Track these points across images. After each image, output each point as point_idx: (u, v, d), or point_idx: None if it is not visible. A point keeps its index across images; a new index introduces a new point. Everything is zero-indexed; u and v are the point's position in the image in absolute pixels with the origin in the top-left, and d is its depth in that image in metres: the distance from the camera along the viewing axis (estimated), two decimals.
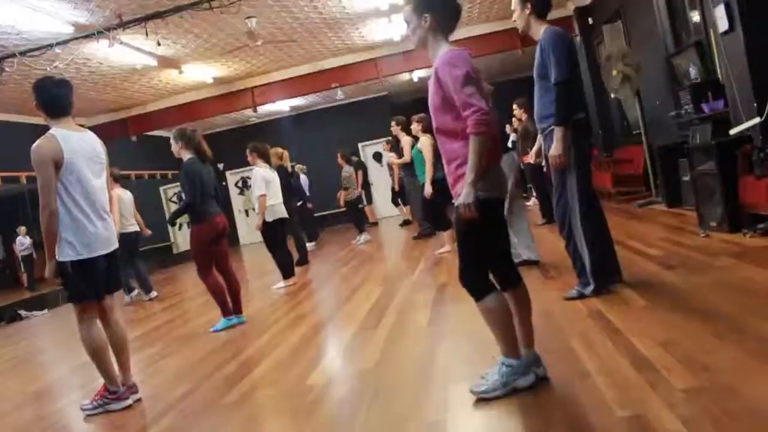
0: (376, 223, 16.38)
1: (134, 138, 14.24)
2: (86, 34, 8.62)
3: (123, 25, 8.51)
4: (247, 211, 18.65)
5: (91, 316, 3.82)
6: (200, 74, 12.18)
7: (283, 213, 7.71)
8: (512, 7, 4.27)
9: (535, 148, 6.64)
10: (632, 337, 3.20)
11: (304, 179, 13.47)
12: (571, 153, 4.09)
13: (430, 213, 8.70)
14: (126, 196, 8.88)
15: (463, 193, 2.64)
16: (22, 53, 8.86)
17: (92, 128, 13.83)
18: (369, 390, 3.28)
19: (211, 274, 5.77)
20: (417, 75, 15.57)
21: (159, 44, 9.44)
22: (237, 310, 5.91)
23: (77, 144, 3.67)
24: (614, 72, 8.57)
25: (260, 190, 7.35)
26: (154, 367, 4.85)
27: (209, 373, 4.23)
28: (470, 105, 2.59)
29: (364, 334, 4.54)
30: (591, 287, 4.22)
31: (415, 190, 9.70)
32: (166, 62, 10.98)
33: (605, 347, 3.16)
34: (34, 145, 3.55)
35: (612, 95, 9.98)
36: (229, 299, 5.85)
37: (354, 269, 8.31)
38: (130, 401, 3.86)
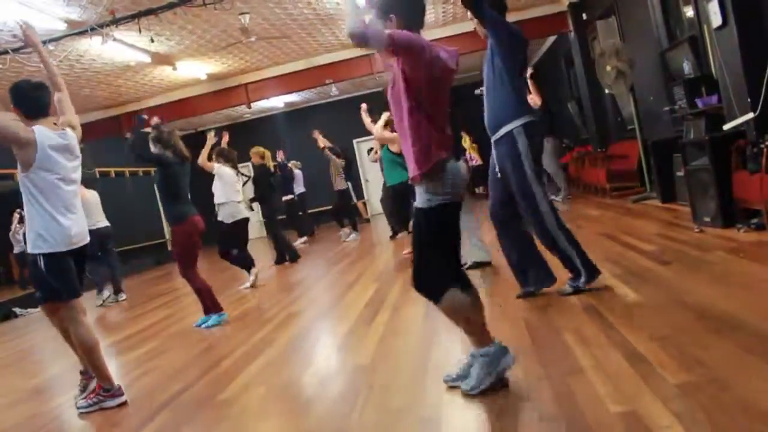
0: (368, 220, 16.39)
1: (128, 134, 14.18)
2: (79, 30, 8.58)
3: (116, 21, 8.46)
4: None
5: (77, 313, 3.80)
6: (194, 71, 12.15)
7: (242, 213, 7.83)
8: (469, 15, 4.22)
9: None
10: (626, 332, 3.21)
11: (298, 174, 13.46)
12: (526, 159, 4.09)
13: (395, 214, 8.74)
14: (91, 195, 8.84)
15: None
16: (15, 50, 8.82)
17: (86, 125, 13.74)
18: (364, 386, 3.28)
19: (196, 273, 5.78)
20: None
21: (152, 41, 9.38)
22: (217, 308, 5.87)
23: (54, 141, 3.71)
24: (608, 68, 8.57)
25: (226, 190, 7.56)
26: (148, 364, 4.84)
27: (204, 371, 4.22)
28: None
29: (360, 331, 4.54)
30: (583, 279, 4.22)
31: (385, 190, 9.69)
32: (160, 59, 10.94)
33: (599, 342, 3.16)
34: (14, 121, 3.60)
35: (606, 91, 9.98)
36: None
37: (349, 265, 8.32)
38: (124, 398, 3.85)
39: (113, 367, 5.10)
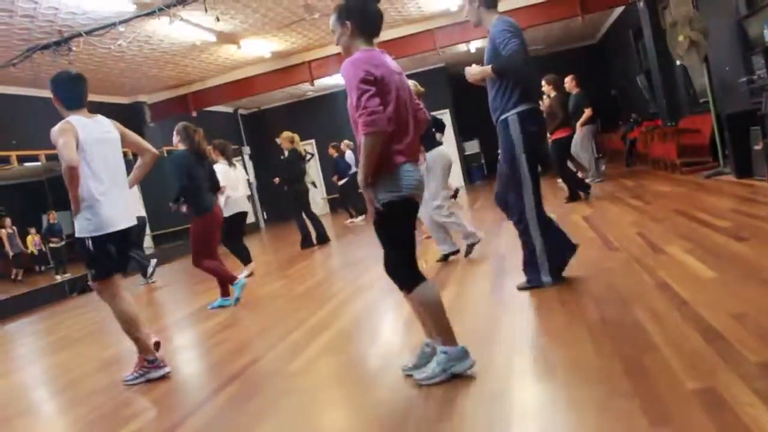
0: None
1: (194, 113, 14.49)
2: (148, 12, 8.77)
3: (183, 1, 8.62)
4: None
5: (116, 290, 4.01)
6: (258, 49, 12.27)
7: (242, 207, 8.08)
8: (461, 3, 4.19)
9: None
10: (701, 309, 3.12)
11: (350, 155, 13.51)
12: (518, 145, 4.11)
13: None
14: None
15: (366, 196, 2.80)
16: (88, 32, 9.08)
17: (154, 105, 14.13)
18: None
19: (204, 260, 6.07)
20: (474, 46, 15.36)
21: (218, 20, 9.52)
22: (225, 293, 6.20)
23: (91, 129, 3.87)
24: (680, 38, 8.26)
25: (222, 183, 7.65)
26: (218, 337, 4.96)
27: (273, 344, 4.30)
28: (359, 105, 2.66)
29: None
30: (548, 278, 4.23)
31: None
32: (225, 38, 11.09)
33: (673, 319, 3.08)
34: (53, 128, 3.75)
35: (677, 62, 9.64)
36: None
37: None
38: (168, 369, 4.01)
39: (189, 338, 5.29)
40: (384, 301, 5.22)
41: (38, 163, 11.22)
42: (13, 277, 12.09)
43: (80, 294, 10.17)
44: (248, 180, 8.72)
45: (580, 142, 10.55)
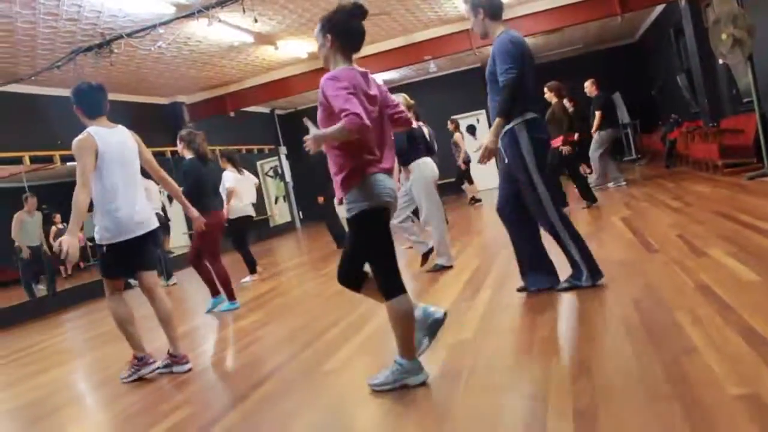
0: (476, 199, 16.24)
1: (232, 114, 14.64)
2: (187, 13, 8.88)
3: (221, 2, 8.71)
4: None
5: (119, 291, 4.26)
6: (295, 50, 12.34)
7: (246, 211, 8.31)
8: (467, 16, 4.36)
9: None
10: (744, 312, 3.05)
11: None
12: (528, 154, 4.15)
13: None
14: (152, 185, 9.26)
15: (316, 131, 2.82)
16: (129, 35, 9.24)
17: (192, 105, 14.30)
18: (468, 361, 3.27)
19: (202, 262, 6.41)
20: None
21: (256, 21, 9.60)
22: (230, 296, 6.42)
23: (110, 139, 4.02)
24: (724, 36, 8.09)
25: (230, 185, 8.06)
26: (253, 335, 5.01)
27: (308, 342, 4.33)
28: (345, 109, 2.70)
29: (462, 305, 4.53)
30: (585, 277, 4.23)
31: None
32: (262, 39, 11.18)
33: (714, 323, 3.02)
34: (75, 140, 3.92)
35: (720, 61, 9.45)
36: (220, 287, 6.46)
37: (451, 240, 8.25)
38: (158, 364, 4.20)
39: (222, 336, 5.34)
40: (420, 300, 5.20)
41: None
42: (63, 273, 12.45)
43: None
44: (257, 185, 8.97)
45: (595, 146, 10.61)
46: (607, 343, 3.11)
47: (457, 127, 13.41)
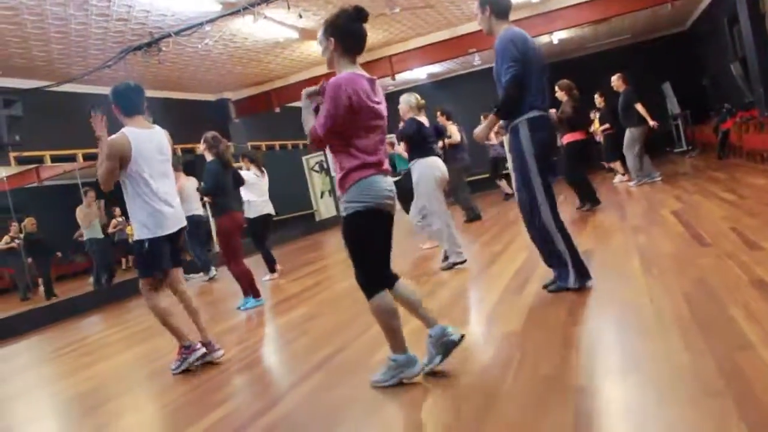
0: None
1: (277, 109, 14.78)
2: (233, 11, 9.00)
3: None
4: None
5: (157, 288, 4.36)
6: None
7: (264, 211, 8.42)
8: (474, 12, 4.43)
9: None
10: None
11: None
12: (528, 153, 4.20)
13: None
14: (189, 183, 9.52)
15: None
16: (177, 33, 9.41)
17: (238, 102, 14.48)
18: (515, 353, 3.25)
19: (239, 262, 6.49)
20: (557, 37, 15.04)
21: (300, 16, 9.68)
22: (256, 294, 6.59)
23: (144, 138, 4.17)
24: None
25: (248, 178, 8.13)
26: (300, 328, 5.06)
27: (356, 335, 4.35)
28: (318, 124, 3.00)
29: (510, 298, 4.51)
30: (572, 279, 4.25)
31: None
32: (307, 34, 11.25)
33: None
34: (110, 138, 4.06)
35: None
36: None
37: (496, 235, 8.22)
38: (203, 350, 4.33)
39: (271, 329, 5.41)
40: (464, 295, 5.21)
41: None
42: (123, 265, 12.86)
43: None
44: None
45: (629, 143, 10.41)
46: (658, 337, 3.05)
47: None
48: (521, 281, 4.95)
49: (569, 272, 4.27)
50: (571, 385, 2.69)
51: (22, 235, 10.71)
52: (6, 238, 10.67)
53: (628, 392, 2.53)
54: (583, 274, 4.26)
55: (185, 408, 3.60)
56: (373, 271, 3.12)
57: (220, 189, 6.50)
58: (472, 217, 10.51)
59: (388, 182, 3.13)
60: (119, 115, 4.26)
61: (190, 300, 4.53)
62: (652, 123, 10.31)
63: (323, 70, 13.91)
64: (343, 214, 3.10)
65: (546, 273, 4.68)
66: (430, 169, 6.26)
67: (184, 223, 4.44)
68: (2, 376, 5.94)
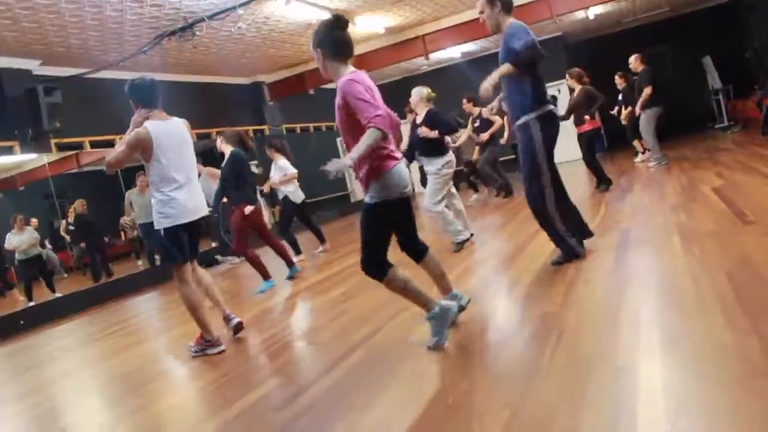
0: None
1: (311, 91, 14.79)
2: None
3: None
4: None
5: (187, 276, 4.52)
6: (372, 25, 12.32)
7: (300, 198, 8.70)
8: (480, 9, 4.60)
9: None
10: None
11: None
12: (539, 147, 4.46)
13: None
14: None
15: (342, 161, 3.08)
16: (210, 17, 9.45)
17: (272, 84, 14.52)
18: (553, 332, 3.24)
19: (247, 246, 6.88)
20: (593, 12, 14.74)
21: None
22: (289, 264, 7.23)
23: (164, 130, 4.34)
24: None
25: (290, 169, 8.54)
26: (338, 308, 5.09)
27: (395, 313, 4.35)
28: (366, 111, 3.11)
29: (546, 278, 4.47)
30: (581, 248, 4.70)
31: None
32: None
33: None
34: (134, 131, 4.27)
35: None
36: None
37: (529, 216, 8.12)
38: (222, 347, 4.50)
39: (310, 309, 5.46)
40: (499, 276, 5.17)
41: None
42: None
43: (208, 267, 10.71)
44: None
45: (644, 125, 10.28)
46: (699, 316, 3.00)
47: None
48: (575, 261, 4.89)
49: (569, 243, 4.65)
50: (610, 364, 2.67)
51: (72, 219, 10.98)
52: (63, 223, 11.01)
53: (669, 372, 2.50)
54: (582, 234, 4.76)
55: (228, 386, 3.67)
56: (382, 256, 3.39)
57: (243, 179, 6.80)
58: (506, 191, 10.78)
59: (405, 171, 3.41)
60: (137, 109, 4.42)
61: (208, 281, 4.83)
62: (625, 113, 10.86)
63: (356, 51, 13.81)
64: (366, 202, 3.37)
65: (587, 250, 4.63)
66: (448, 165, 6.63)
67: (205, 212, 4.60)
68: (51, 356, 6.11)
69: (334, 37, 3.43)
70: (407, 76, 18.66)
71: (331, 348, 3.98)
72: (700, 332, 2.80)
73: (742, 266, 3.66)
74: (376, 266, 3.38)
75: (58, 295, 9.66)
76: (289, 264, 7.32)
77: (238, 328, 4.79)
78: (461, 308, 3.76)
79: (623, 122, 11.67)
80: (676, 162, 10.24)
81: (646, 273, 4.07)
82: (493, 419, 2.37)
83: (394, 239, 3.57)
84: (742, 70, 16.24)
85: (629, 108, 11.24)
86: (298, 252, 8.61)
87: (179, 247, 4.43)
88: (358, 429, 2.63)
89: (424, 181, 7.97)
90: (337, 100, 3.29)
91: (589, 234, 4.95)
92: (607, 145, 17.82)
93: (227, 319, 4.81)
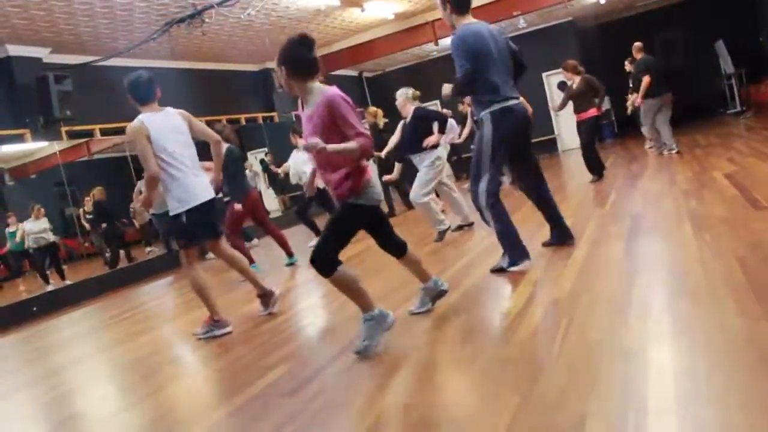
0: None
1: (321, 78, 14.73)
2: None
3: None
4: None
5: (194, 260, 4.65)
6: (381, 11, 12.28)
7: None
8: (436, 7, 4.62)
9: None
10: None
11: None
12: (486, 146, 4.45)
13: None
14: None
15: (315, 142, 3.16)
16: (219, 4, 9.44)
17: None
18: (564, 317, 3.24)
19: (236, 236, 7.04)
20: None
21: None
22: (289, 253, 7.48)
23: (159, 120, 4.41)
24: None
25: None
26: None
27: (407, 297, 4.31)
28: (359, 127, 3.32)
29: (557, 264, 4.46)
30: (507, 260, 4.53)
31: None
32: (349, 1, 11.18)
33: None
34: (128, 126, 4.35)
35: None
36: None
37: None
38: (230, 328, 4.66)
39: (321, 293, 5.46)
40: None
41: None
42: None
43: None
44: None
45: (643, 113, 10.30)
46: (710, 302, 2.99)
47: None
48: (568, 247, 4.89)
49: (505, 255, 4.57)
50: (620, 349, 2.66)
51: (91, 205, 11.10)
52: (81, 211, 11.15)
53: (680, 357, 2.49)
54: (521, 254, 4.53)
55: (239, 372, 3.68)
56: (336, 254, 3.38)
57: (240, 174, 7.00)
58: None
59: (378, 183, 3.57)
60: (134, 104, 4.51)
61: (228, 255, 4.92)
62: (632, 100, 10.54)
63: (366, 37, 13.87)
64: (354, 202, 3.41)
65: (591, 236, 4.60)
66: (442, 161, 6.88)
67: (213, 194, 4.66)
68: (65, 341, 6.17)
69: (298, 55, 3.44)
70: (417, 62, 18.59)
71: (344, 331, 3.98)
72: (711, 318, 2.80)
73: (754, 252, 3.64)
74: (328, 263, 3.36)
75: (68, 282, 9.76)
76: (289, 254, 7.51)
77: (274, 300, 5.00)
78: (441, 293, 3.92)
79: (629, 109, 11.61)
80: (687, 147, 10.17)
81: (657, 259, 4.05)
82: (504, 405, 2.37)
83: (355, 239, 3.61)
84: (755, 54, 16.08)
85: (634, 95, 11.19)
86: (318, 234, 8.60)
87: (196, 231, 4.56)
88: (369, 414, 2.65)
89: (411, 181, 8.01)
90: (317, 110, 3.37)
91: (568, 235, 4.92)
92: (617, 131, 17.72)
93: (267, 295, 4.98)
